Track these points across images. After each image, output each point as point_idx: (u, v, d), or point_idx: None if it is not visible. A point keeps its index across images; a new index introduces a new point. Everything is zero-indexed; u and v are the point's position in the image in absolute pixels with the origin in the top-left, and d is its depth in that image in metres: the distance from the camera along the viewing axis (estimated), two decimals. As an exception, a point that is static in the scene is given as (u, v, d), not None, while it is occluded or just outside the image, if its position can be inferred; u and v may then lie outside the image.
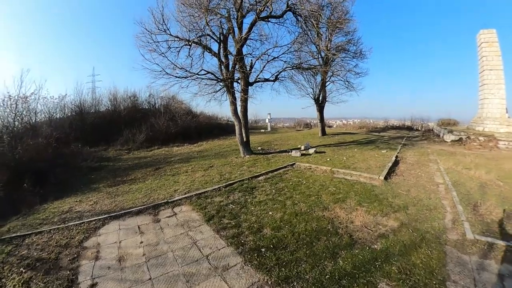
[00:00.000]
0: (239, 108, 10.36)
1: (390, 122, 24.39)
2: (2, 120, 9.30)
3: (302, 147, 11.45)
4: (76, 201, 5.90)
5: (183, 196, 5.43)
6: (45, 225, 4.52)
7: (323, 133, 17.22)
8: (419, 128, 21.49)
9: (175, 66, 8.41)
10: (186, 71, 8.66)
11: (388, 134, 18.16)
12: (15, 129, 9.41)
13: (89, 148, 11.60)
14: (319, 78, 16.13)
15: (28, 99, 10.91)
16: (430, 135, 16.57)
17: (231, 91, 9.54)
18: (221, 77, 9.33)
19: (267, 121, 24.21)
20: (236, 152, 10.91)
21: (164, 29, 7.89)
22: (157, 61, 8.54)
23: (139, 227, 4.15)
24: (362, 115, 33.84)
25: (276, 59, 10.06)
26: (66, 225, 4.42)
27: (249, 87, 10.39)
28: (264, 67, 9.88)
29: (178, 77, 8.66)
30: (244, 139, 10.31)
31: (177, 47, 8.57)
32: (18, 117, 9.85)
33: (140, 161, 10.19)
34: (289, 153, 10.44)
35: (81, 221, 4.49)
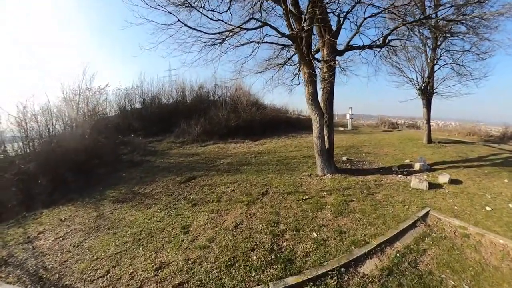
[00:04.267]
0: (320, 93, 6.40)
1: (510, 129, 15.81)
2: (74, 110, 9.21)
3: (417, 165, 6.80)
4: (60, 220, 4.23)
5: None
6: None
7: (429, 139, 11.22)
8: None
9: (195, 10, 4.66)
10: (220, 20, 4.89)
11: (514, 146, 10.77)
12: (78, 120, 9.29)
13: (144, 139, 10.85)
14: (423, 59, 10.56)
15: (101, 91, 10.98)
16: None
17: (306, 60, 5.54)
18: (287, 33, 5.22)
19: (348, 117, 18.98)
20: (309, 162, 7.35)
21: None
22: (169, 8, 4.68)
23: None
24: (449, 115, 24.01)
25: (386, 11, 5.85)
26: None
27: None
28: (361, 24, 5.87)
29: (206, 33, 4.85)
30: (326, 146, 6.31)
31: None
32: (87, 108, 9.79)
33: (184, 160, 8.32)
34: (399, 175, 6.13)
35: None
